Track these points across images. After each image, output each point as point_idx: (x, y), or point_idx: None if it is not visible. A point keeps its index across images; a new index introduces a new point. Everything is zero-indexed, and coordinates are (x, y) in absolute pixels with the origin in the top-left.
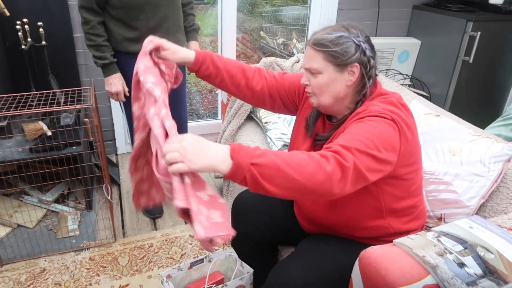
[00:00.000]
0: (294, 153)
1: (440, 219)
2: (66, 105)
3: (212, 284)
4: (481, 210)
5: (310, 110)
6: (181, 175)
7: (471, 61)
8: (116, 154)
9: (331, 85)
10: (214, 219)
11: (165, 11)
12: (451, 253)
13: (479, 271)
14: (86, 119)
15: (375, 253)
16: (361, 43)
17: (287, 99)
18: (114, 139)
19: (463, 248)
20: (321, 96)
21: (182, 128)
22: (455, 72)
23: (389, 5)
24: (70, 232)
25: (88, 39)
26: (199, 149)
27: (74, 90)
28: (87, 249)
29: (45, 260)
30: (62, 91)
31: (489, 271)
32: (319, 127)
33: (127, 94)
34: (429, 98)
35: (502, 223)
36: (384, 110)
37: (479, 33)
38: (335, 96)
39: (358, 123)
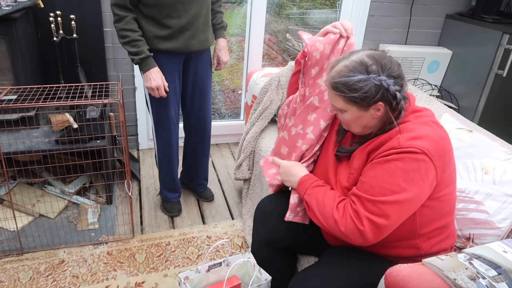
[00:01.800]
0: (327, 202)
1: (469, 239)
2: (94, 99)
3: None
4: None
5: None
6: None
7: (504, 74)
8: (138, 150)
9: (358, 121)
10: None
11: (196, 9)
12: (484, 278)
13: None
14: (111, 113)
15: (403, 271)
16: (383, 82)
17: None
18: (137, 134)
19: (496, 274)
20: (351, 127)
21: (205, 127)
22: (486, 85)
23: (422, 13)
24: (90, 225)
25: (122, 36)
26: (287, 172)
27: (102, 84)
28: (106, 243)
29: (64, 252)
30: (90, 85)
31: None
32: (347, 138)
33: (167, 89)
34: (458, 111)
35: None
36: (415, 140)
37: None
38: (363, 126)
39: (383, 164)
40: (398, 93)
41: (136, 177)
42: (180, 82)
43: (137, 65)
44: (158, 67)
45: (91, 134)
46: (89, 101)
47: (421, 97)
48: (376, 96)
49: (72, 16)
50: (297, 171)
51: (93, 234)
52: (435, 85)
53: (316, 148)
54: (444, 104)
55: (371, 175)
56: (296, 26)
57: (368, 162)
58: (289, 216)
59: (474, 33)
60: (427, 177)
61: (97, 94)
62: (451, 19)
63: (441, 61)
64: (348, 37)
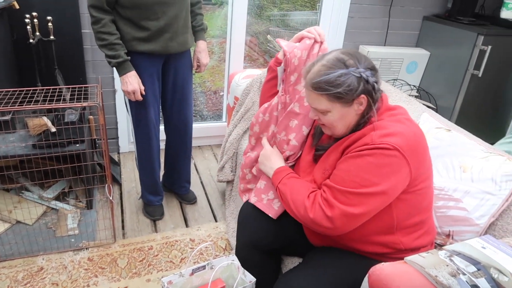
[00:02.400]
0: (300, 191)
1: (448, 235)
2: (73, 102)
3: None
4: (490, 228)
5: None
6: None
7: (480, 75)
8: (119, 153)
9: (342, 119)
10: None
11: (175, 11)
12: (464, 274)
13: None
14: (90, 117)
15: (385, 270)
16: (362, 73)
17: None
18: (118, 138)
19: (476, 270)
20: (335, 129)
21: (186, 129)
22: (463, 85)
23: (400, 15)
24: (70, 231)
25: (100, 38)
26: (267, 157)
27: (81, 87)
28: (86, 249)
29: (43, 259)
30: (69, 88)
31: None
32: (324, 139)
33: (143, 92)
34: (436, 110)
35: None
36: (388, 137)
37: (489, 47)
38: (347, 125)
39: (355, 159)
40: (376, 84)
41: (117, 181)
42: (159, 84)
43: (114, 68)
44: (137, 69)
45: (70, 138)
46: (68, 104)
47: (400, 97)
48: (359, 89)
49: (49, 17)
50: (276, 160)
51: (73, 240)
52: (414, 85)
53: (299, 154)
54: (423, 104)
55: (343, 168)
56: (277, 28)
57: (342, 157)
58: (252, 199)
59: (451, 34)
60: (399, 172)
61: (75, 97)
62: (428, 21)
63: (419, 62)
64: (321, 42)
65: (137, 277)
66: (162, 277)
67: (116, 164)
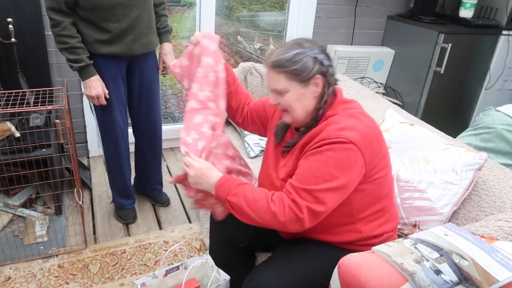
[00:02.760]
0: (258, 197)
1: (415, 226)
2: (37, 105)
3: None
4: (453, 217)
5: (277, 122)
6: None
7: (442, 71)
8: (88, 157)
9: (300, 100)
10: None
11: (137, 12)
12: (428, 260)
13: (454, 278)
14: (57, 121)
15: (354, 260)
16: (317, 55)
17: (263, 120)
18: (86, 142)
19: (439, 256)
20: (294, 111)
21: (155, 131)
22: (427, 82)
23: (365, 14)
24: (38, 238)
25: (60, 42)
26: (200, 175)
27: (45, 90)
28: (56, 256)
29: (10, 268)
30: (32, 91)
31: (464, 278)
32: (288, 136)
33: (107, 96)
34: (402, 107)
35: (475, 231)
36: (343, 131)
37: (450, 45)
38: (306, 109)
39: (316, 155)
40: (330, 68)
41: (87, 186)
42: (125, 86)
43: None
44: (100, 72)
45: (35, 143)
46: (32, 107)
47: (367, 94)
48: (314, 68)
49: (9, 19)
50: (210, 173)
51: (42, 247)
52: (381, 83)
53: (224, 117)
54: (389, 101)
55: (305, 166)
56: (246, 28)
57: (302, 155)
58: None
59: (413, 33)
60: (356, 165)
61: (40, 100)
62: (392, 20)
63: (385, 60)
64: (198, 42)
65: (110, 281)
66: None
67: (86, 168)
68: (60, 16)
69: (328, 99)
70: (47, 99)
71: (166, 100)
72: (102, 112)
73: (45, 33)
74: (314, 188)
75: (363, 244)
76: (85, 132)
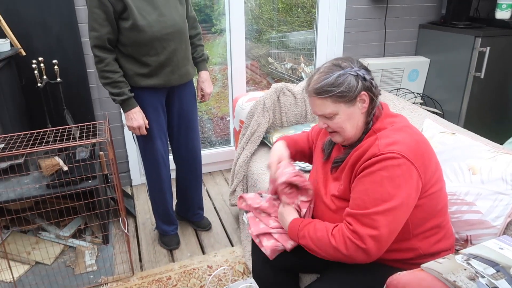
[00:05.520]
0: (320, 236)
1: (467, 241)
2: (82, 139)
3: None
4: (508, 229)
5: (325, 139)
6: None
7: (482, 76)
8: (131, 186)
9: (350, 120)
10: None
11: (174, 45)
12: (483, 276)
13: None
14: (101, 153)
15: (403, 279)
16: (358, 71)
17: (312, 150)
18: (129, 171)
19: (495, 271)
20: (345, 132)
21: (195, 157)
22: (467, 88)
23: (395, 25)
24: (88, 267)
25: (103, 77)
26: (281, 218)
27: (89, 124)
28: (105, 284)
29: None
30: (78, 126)
31: None
32: (335, 152)
33: (148, 126)
34: (442, 116)
35: None
36: (393, 145)
37: (488, 48)
38: (356, 127)
39: (369, 176)
40: (373, 81)
41: (131, 214)
42: (165, 115)
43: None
44: (141, 103)
45: (82, 175)
46: (77, 142)
47: (403, 105)
48: (358, 86)
49: (54, 60)
50: (287, 217)
51: (92, 276)
52: (418, 93)
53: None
54: (428, 110)
55: (360, 190)
56: (276, 50)
57: (354, 175)
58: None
59: (448, 40)
60: (412, 179)
61: (84, 134)
62: (425, 28)
63: (420, 69)
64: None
65: None
66: None
67: (130, 197)
68: (103, 53)
69: (375, 111)
70: (91, 133)
71: (203, 125)
72: (144, 141)
73: (87, 70)
74: (373, 211)
75: (419, 262)
76: (127, 161)
